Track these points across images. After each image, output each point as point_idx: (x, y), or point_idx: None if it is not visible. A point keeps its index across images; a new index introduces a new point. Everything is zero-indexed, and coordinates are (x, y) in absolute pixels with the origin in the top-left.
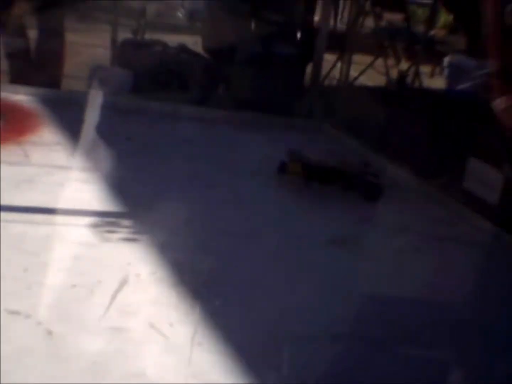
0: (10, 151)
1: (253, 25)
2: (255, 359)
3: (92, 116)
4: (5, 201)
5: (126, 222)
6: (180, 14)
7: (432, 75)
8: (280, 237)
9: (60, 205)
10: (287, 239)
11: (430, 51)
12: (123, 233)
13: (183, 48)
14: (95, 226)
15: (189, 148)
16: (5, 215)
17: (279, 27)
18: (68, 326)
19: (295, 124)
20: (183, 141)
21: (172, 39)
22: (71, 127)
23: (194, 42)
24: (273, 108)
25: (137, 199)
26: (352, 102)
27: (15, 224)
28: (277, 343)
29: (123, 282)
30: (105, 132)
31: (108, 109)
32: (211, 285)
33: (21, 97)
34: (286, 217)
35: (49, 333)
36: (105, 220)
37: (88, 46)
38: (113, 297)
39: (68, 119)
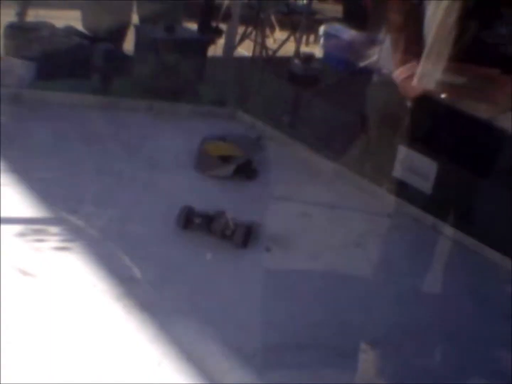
0: None
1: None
2: None
3: None
4: None
5: (54, 229)
6: None
7: (306, 43)
8: None
9: None
10: None
11: (308, 20)
12: (53, 241)
13: (71, 31)
14: (22, 235)
15: (99, 141)
16: None
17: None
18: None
19: (207, 111)
20: (92, 134)
21: (55, 16)
22: None
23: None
24: (178, 94)
25: (59, 202)
26: (260, 81)
27: None
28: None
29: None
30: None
31: (11, 103)
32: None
33: None
34: None
35: None
36: (32, 228)
37: None
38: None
39: None
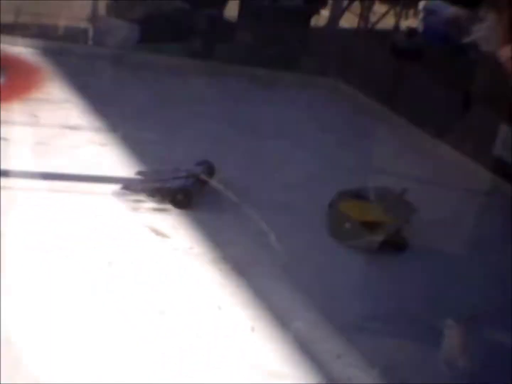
0: (17, 111)
1: None
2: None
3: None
4: (21, 167)
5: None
6: None
7: (406, 17)
8: None
9: (79, 171)
10: None
11: None
12: (151, 202)
13: None
14: (120, 194)
15: (202, 106)
16: (20, 182)
17: None
18: (112, 308)
19: (308, 82)
20: (196, 98)
21: None
22: (77, 83)
23: None
24: (281, 63)
25: (157, 163)
26: (362, 53)
27: (32, 193)
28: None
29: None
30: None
31: (113, 63)
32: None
33: (21, 49)
34: None
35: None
36: (132, 188)
37: None
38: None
39: (73, 73)
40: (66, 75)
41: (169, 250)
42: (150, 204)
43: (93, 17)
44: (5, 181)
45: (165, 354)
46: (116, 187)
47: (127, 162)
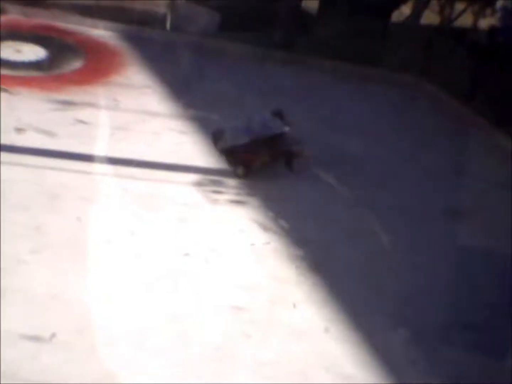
0: (97, 94)
1: None
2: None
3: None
4: (100, 152)
5: (231, 181)
6: None
7: (483, 16)
8: None
9: (158, 158)
10: None
11: None
12: (230, 194)
13: None
14: (199, 184)
15: (281, 97)
16: (102, 167)
17: None
18: (188, 304)
19: (389, 77)
20: (275, 89)
21: None
22: (158, 68)
23: None
24: (362, 57)
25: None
26: (443, 51)
27: (114, 179)
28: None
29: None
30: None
31: (193, 50)
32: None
33: (101, 32)
34: None
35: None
36: (209, 179)
37: None
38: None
39: (153, 59)
40: (146, 60)
41: (246, 244)
42: (228, 196)
43: (172, 3)
44: (85, 165)
45: (239, 354)
46: (195, 176)
47: (206, 151)
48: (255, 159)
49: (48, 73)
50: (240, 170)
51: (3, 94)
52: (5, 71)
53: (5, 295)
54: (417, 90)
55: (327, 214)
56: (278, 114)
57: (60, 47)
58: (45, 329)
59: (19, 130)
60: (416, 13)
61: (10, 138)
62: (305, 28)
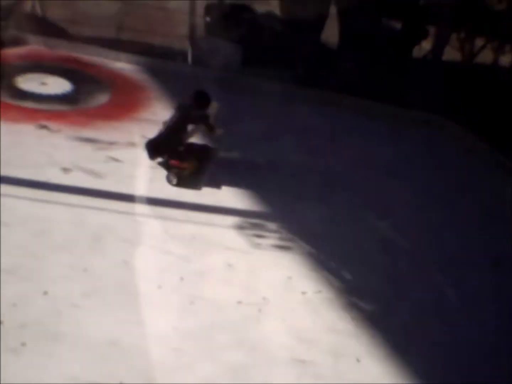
0: (126, 131)
1: None
2: None
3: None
4: (135, 191)
5: (273, 225)
6: None
7: (503, 52)
8: None
9: (194, 198)
10: None
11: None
12: (273, 238)
13: (272, 16)
14: (241, 228)
15: (309, 135)
16: (139, 207)
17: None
18: (249, 355)
19: (414, 117)
20: (306, 129)
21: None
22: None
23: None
24: (383, 94)
25: (278, 200)
26: (467, 90)
27: (154, 220)
28: None
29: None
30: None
31: (217, 86)
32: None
33: (124, 65)
34: None
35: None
36: (250, 222)
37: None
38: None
39: (177, 94)
40: (171, 95)
41: (297, 292)
42: (270, 240)
43: (192, 36)
44: (124, 205)
45: None
46: (235, 219)
47: (243, 193)
48: (185, 166)
49: (74, 107)
50: (172, 178)
51: (32, 128)
52: (30, 104)
53: (65, 340)
54: (443, 130)
55: (374, 259)
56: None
57: (84, 79)
58: (112, 377)
59: (61, 168)
60: (437, 49)
61: (45, 175)
62: (327, 64)
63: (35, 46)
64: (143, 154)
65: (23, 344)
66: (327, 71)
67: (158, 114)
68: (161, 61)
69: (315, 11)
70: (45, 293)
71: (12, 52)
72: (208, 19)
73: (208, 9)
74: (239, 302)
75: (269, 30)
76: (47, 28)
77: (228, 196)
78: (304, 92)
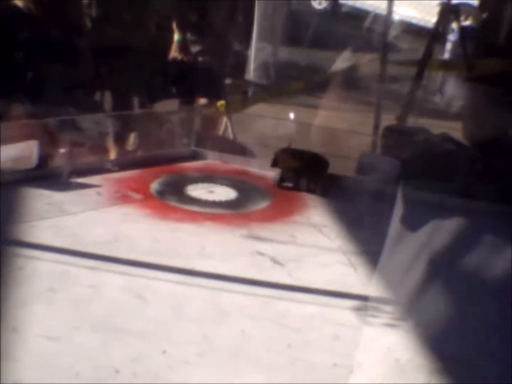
0: (278, 231)
1: None
2: None
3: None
4: (273, 279)
5: (388, 307)
6: (438, 98)
7: None
8: None
9: (324, 286)
10: None
11: None
12: (385, 318)
13: (446, 137)
14: (358, 309)
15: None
16: (271, 291)
17: None
18: None
19: None
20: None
21: (428, 124)
22: (338, 210)
23: (448, 127)
24: None
25: (401, 288)
26: None
27: (281, 301)
28: None
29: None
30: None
31: (374, 196)
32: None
33: None
34: None
35: None
36: (368, 304)
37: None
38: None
39: (336, 202)
40: (328, 202)
41: (391, 359)
42: (382, 319)
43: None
44: (257, 289)
45: None
46: (355, 302)
47: (369, 282)
48: None
49: (235, 211)
50: None
51: (192, 227)
52: (195, 208)
53: None
54: None
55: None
56: None
57: (250, 189)
58: None
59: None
60: None
61: (193, 263)
62: (486, 176)
63: (210, 160)
64: (284, 249)
65: None
66: (486, 182)
67: (311, 218)
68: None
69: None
70: (164, 352)
71: (189, 165)
72: (385, 139)
73: (386, 130)
74: (335, 364)
75: (437, 149)
76: (233, 149)
77: (354, 284)
78: (459, 201)
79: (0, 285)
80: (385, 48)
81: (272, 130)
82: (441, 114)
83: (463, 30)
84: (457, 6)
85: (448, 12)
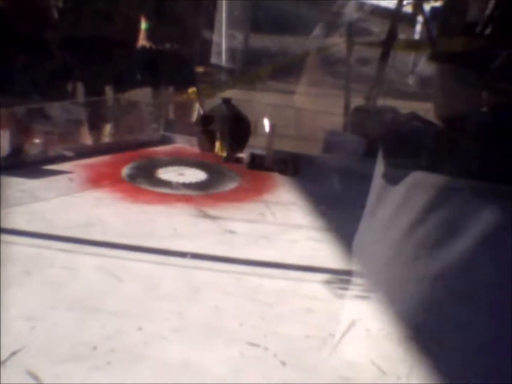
0: (247, 210)
1: (484, 94)
2: None
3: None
4: (243, 255)
5: (357, 280)
6: (410, 80)
7: None
8: None
9: (295, 261)
10: None
11: None
12: (354, 290)
13: (414, 116)
14: (328, 282)
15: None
16: (243, 268)
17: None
18: (302, 373)
19: None
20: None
21: (402, 106)
22: (307, 188)
23: (425, 110)
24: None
25: (369, 261)
26: None
27: (253, 277)
28: None
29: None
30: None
31: (339, 173)
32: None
33: None
34: None
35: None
36: (337, 277)
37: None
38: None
39: (303, 179)
40: (296, 181)
41: (362, 329)
42: (353, 292)
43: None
44: (228, 266)
45: None
46: (326, 276)
47: (338, 257)
48: None
49: (204, 192)
50: None
51: (162, 209)
52: (165, 190)
53: (146, 362)
54: None
55: None
56: None
57: (220, 172)
58: None
59: (180, 237)
60: None
61: (166, 243)
62: (449, 151)
63: (179, 144)
64: (255, 227)
65: (108, 363)
66: (450, 158)
67: (280, 197)
68: (294, 154)
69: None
70: (139, 328)
71: (159, 149)
72: (353, 118)
73: (355, 110)
74: (307, 336)
75: (404, 127)
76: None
77: (323, 258)
78: (423, 176)
79: None
80: (350, 30)
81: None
82: (415, 95)
83: (432, 10)
84: None
85: None
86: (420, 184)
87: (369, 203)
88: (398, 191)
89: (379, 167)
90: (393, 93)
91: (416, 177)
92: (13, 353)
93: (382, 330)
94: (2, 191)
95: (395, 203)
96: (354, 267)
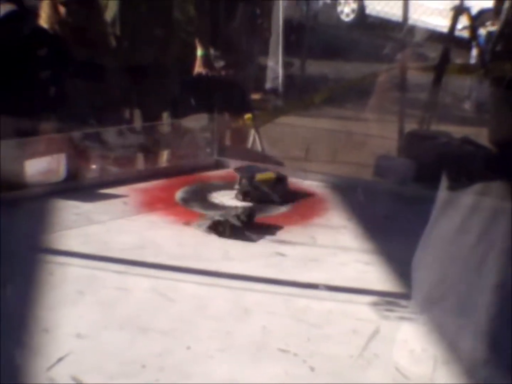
0: (298, 233)
1: None
2: None
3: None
4: (292, 277)
5: (405, 302)
6: (467, 105)
7: None
8: None
9: (343, 283)
10: None
11: None
12: (401, 312)
13: (466, 140)
14: (375, 304)
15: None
16: (291, 289)
17: None
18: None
19: None
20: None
21: (458, 131)
22: (356, 211)
23: (478, 134)
24: None
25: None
26: None
27: (300, 298)
28: None
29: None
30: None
31: (390, 197)
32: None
33: (311, 182)
34: None
35: None
36: (385, 300)
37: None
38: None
39: (354, 204)
40: (347, 205)
41: (405, 350)
42: (398, 313)
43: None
44: (278, 287)
45: None
46: (373, 298)
47: (386, 280)
48: None
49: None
50: None
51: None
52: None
53: (193, 378)
54: None
55: None
56: None
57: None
58: None
59: (230, 260)
60: None
61: (216, 265)
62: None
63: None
64: (305, 250)
65: (157, 380)
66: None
67: (330, 220)
68: (346, 179)
69: None
70: (188, 348)
71: (213, 174)
72: (406, 143)
73: (408, 135)
74: (351, 356)
75: (456, 151)
76: (257, 159)
77: (371, 281)
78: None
79: (33, 289)
80: (404, 56)
81: (298, 139)
82: (472, 120)
83: (489, 35)
84: (467, 8)
85: (458, 15)
86: (475, 207)
87: (430, 225)
88: (456, 214)
89: (442, 191)
90: (449, 118)
91: (470, 200)
92: (63, 368)
93: (426, 350)
94: (58, 214)
95: (455, 226)
96: (403, 289)
